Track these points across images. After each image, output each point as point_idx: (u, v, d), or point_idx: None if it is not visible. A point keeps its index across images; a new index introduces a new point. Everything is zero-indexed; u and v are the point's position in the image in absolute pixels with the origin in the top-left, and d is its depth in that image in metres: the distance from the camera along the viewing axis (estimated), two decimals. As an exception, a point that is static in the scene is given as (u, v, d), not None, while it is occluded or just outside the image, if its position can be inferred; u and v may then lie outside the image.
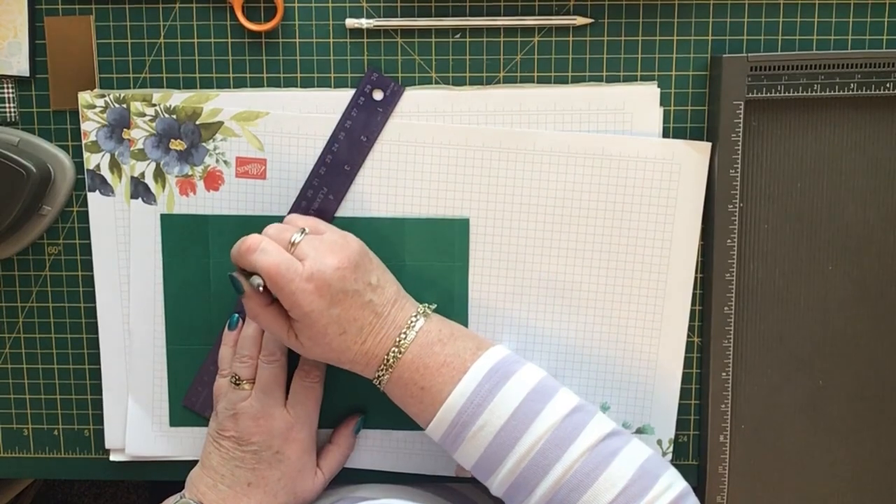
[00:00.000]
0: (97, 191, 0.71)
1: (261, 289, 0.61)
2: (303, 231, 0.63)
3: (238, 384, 0.67)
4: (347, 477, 0.72)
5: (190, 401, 0.73)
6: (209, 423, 0.69)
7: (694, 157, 0.69)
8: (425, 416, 0.63)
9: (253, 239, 0.61)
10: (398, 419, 0.72)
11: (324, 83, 0.70)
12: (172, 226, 0.71)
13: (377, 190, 0.70)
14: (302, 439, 0.67)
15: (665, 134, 0.70)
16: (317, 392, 0.68)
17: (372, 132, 0.69)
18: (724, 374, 0.71)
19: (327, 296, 0.60)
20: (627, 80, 0.70)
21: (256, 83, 0.70)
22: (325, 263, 0.61)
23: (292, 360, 0.68)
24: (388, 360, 0.62)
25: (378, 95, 0.69)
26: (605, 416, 0.62)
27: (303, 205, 0.70)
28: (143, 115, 0.70)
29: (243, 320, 0.70)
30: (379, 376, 0.63)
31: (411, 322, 0.63)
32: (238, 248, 0.62)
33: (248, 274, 0.62)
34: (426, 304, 0.66)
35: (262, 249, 0.60)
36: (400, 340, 0.62)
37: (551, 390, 0.62)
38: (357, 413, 0.72)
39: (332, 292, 0.61)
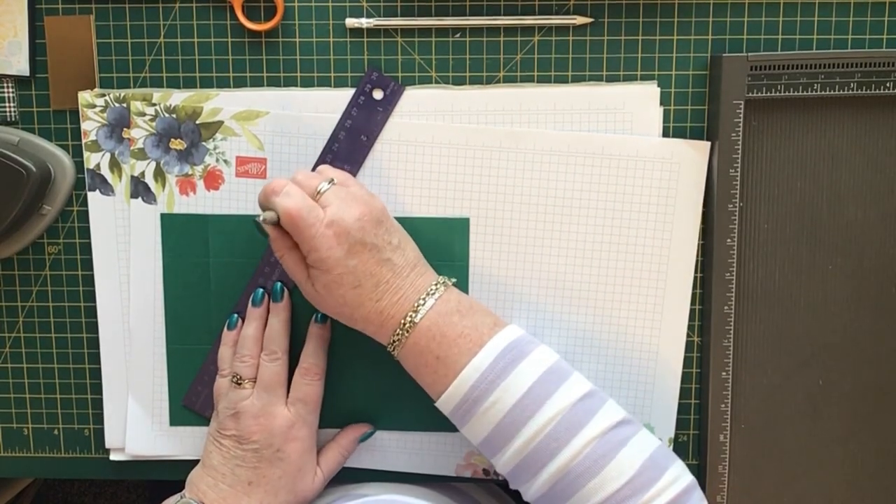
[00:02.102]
0: (97, 190, 0.71)
1: (274, 222, 0.62)
2: (331, 181, 0.63)
3: (239, 383, 0.67)
4: (348, 476, 0.72)
5: (190, 400, 0.73)
6: (210, 423, 0.69)
7: (693, 156, 0.69)
8: (438, 388, 0.63)
9: (278, 182, 0.62)
10: (399, 419, 0.72)
11: (324, 83, 0.70)
12: (172, 225, 0.71)
13: (377, 190, 0.70)
14: (302, 438, 0.67)
15: (665, 133, 0.70)
16: (318, 390, 0.68)
17: (372, 132, 0.69)
18: (724, 373, 0.71)
19: (345, 244, 0.61)
20: (627, 79, 0.70)
21: (256, 83, 0.70)
22: (348, 213, 0.61)
23: (293, 360, 0.69)
24: (404, 324, 0.62)
25: (378, 95, 0.69)
26: (616, 405, 0.62)
27: (303, 204, 0.70)
28: (143, 114, 0.70)
29: (243, 320, 0.70)
30: (394, 340, 0.63)
31: (431, 289, 0.63)
32: (264, 188, 0.63)
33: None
34: (446, 277, 0.66)
35: (286, 192, 0.61)
36: (418, 305, 0.62)
37: (565, 373, 0.62)
38: (369, 425, 0.72)
39: (351, 242, 0.61)
